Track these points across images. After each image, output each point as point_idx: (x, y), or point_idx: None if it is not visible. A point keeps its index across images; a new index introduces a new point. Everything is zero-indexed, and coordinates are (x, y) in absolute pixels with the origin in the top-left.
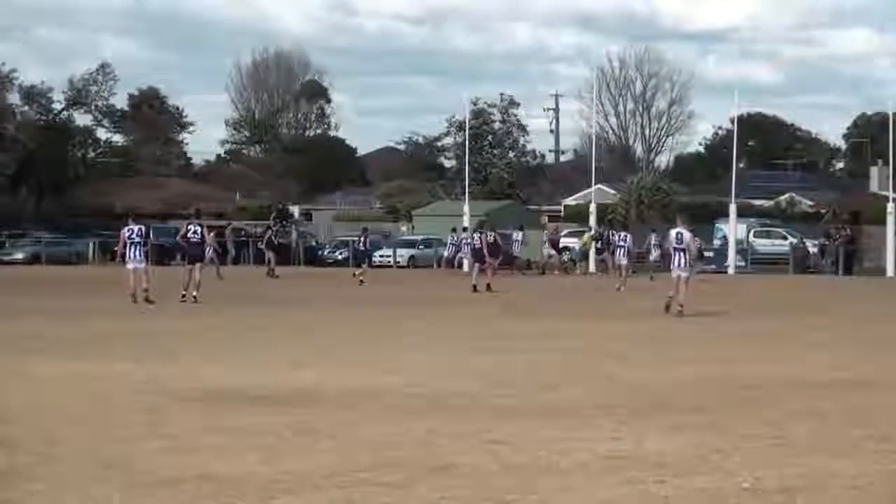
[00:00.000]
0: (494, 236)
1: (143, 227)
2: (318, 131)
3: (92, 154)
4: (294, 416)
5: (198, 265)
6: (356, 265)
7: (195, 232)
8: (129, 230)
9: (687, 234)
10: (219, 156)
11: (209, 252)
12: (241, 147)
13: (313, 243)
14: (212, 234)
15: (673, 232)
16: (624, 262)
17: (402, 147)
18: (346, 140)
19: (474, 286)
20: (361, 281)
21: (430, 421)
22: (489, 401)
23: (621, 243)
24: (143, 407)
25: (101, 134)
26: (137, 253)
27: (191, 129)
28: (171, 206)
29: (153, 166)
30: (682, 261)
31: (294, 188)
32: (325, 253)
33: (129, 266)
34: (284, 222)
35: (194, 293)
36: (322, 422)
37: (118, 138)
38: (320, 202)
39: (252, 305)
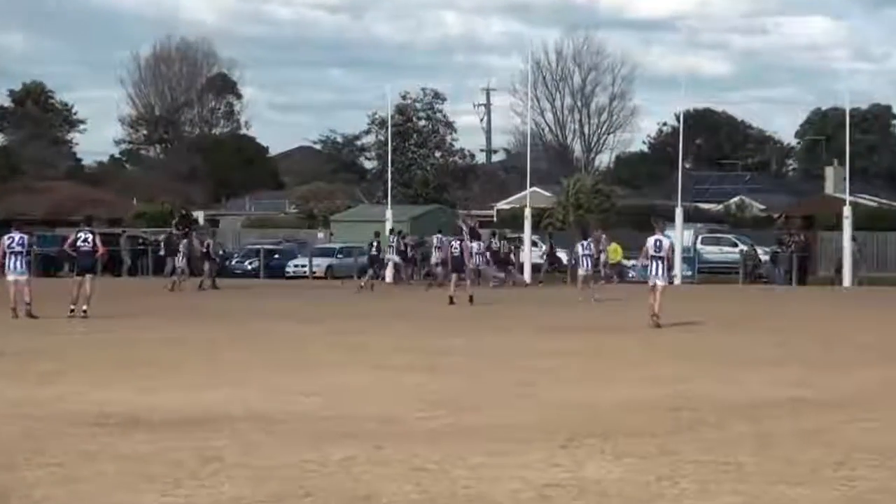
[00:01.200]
0: (509, 245)
1: (26, 236)
2: (226, 129)
3: None
4: (196, 441)
5: (88, 276)
6: (360, 273)
7: (85, 240)
8: (9, 238)
9: (666, 242)
10: (113, 157)
11: (180, 260)
12: (139, 147)
13: (220, 252)
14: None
15: (651, 239)
16: (582, 272)
17: (318, 146)
18: (257, 139)
19: (451, 297)
20: (362, 287)
21: (349, 447)
22: (413, 424)
23: (586, 252)
24: (19, 432)
25: None
26: (19, 264)
27: (81, 127)
28: (59, 212)
29: (38, 168)
30: (660, 269)
31: (199, 192)
32: (233, 263)
33: (10, 278)
34: (188, 229)
35: (84, 307)
36: (228, 448)
37: None
38: (228, 207)
39: (151, 319)
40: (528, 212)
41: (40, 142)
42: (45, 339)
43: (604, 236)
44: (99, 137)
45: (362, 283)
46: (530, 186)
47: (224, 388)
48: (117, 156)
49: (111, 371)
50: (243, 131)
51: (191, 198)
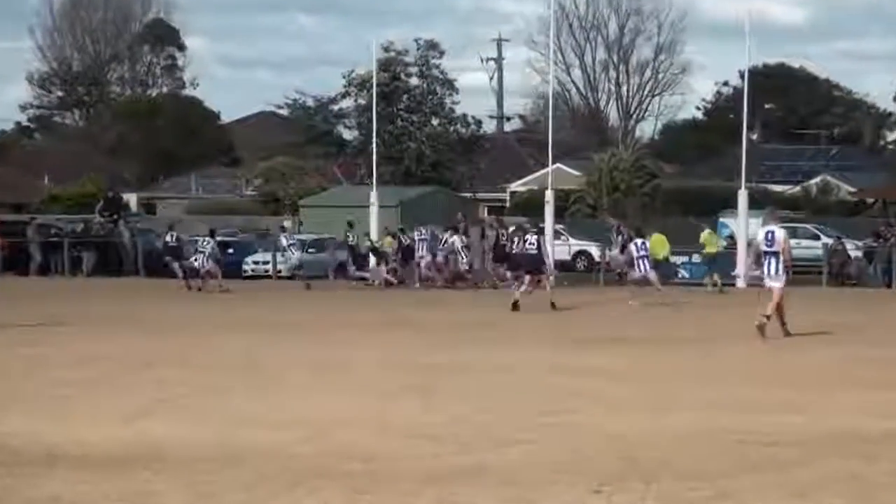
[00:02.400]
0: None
1: None
2: (166, 89)
3: None
4: (129, 484)
5: None
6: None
7: None
8: None
9: (780, 234)
10: (19, 124)
11: (205, 261)
12: (52, 113)
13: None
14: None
15: (762, 231)
16: (638, 275)
17: (284, 112)
18: (206, 102)
19: (515, 302)
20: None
21: (324, 492)
22: (405, 463)
23: (642, 252)
24: None
25: None
26: None
27: None
28: None
29: None
30: (775, 268)
31: (130, 169)
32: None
33: None
34: (115, 216)
35: None
36: (171, 494)
37: None
38: (167, 189)
39: (69, 330)
40: (549, 194)
41: None
42: None
43: (619, 226)
44: (1, 100)
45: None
46: (553, 163)
47: (166, 417)
48: (25, 123)
49: (13, 396)
50: (188, 92)
51: (119, 176)
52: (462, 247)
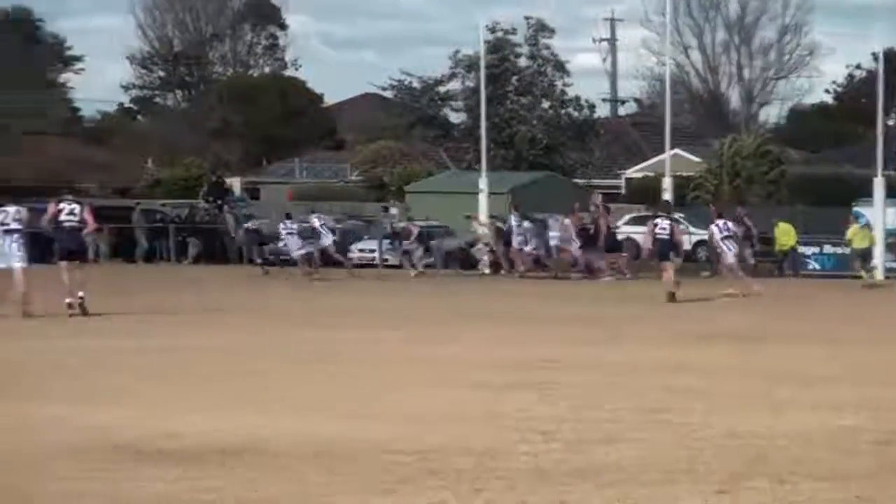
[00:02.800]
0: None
1: (24, 209)
2: (267, 70)
3: None
4: (234, 480)
5: (77, 263)
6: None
7: (72, 213)
8: (2, 214)
9: None
10: (121, 105)
11: (324, 240)
12: (154, 94)
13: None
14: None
15: None
16: (730, 259)
17: (388, 94)
18: (309, 83)
19: (671, 293)
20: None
21: (437, 491)
22: (511, 460)
23: (725, 233)
24: None
25: None
26: (15, 246)
27: (78, 66)
28: (49, 178)
29: (22, 120)
30: None
31: (233, 152)
32: (280, 245)
33: (16, 265)
34: (219, 201)
35: (80, 296)
36: (275, 489)
37: None
38: (271, 173)
39: (181, 320)
40: (667, 181)
41: (24, 86)
42: (38, 344)
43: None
44: (101, 80)
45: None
46: (671, 148)
47: (272, 411)
48: (126, 105)
49: (115, 385)
50: (290, 73)
51: (223, 160)
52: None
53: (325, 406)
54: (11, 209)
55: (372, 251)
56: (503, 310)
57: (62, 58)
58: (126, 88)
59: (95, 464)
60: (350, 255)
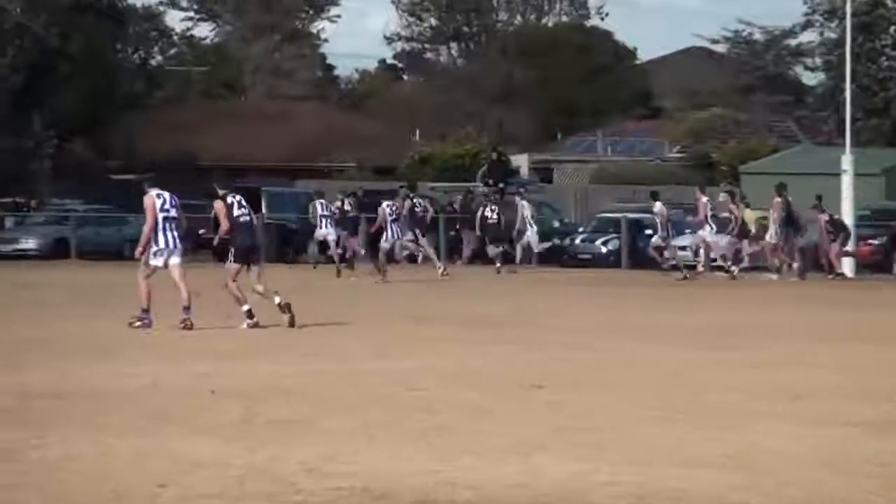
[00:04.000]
0: None
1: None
2: (565, 18)
3: (158, 58)
4: None
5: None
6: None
7: (241, 205)
8: (160, 198)
9: None
10: (383, 62)
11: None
12: (423, 48)
13: (555, 224)
14: None
15: None
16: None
17: (720, 48)
18: (617, 35)
19: None
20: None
21: None
22: None
23: None
24: None
25: (174, 22)
26: (171, 238)
27: (332, 13)
28: (303, 154)
29: (268, 80)
30: None
31: (520, 124)
32: (577, 242)
33: (156, 262)
34: (501, 184)
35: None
36: None
37: (204, 30)
38: (566, 150)
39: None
40: None
41: (268, 39)
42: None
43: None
44: (360, 33)
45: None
46: None
47: (564, 451)
48: (390, 61)
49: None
50: (593, 23)
51: (506, 133)
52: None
53: (637, 445)
54: (167, 194)
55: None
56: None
57: (313, 4)
58: (390, 41)
59: None
60: (666, 252)
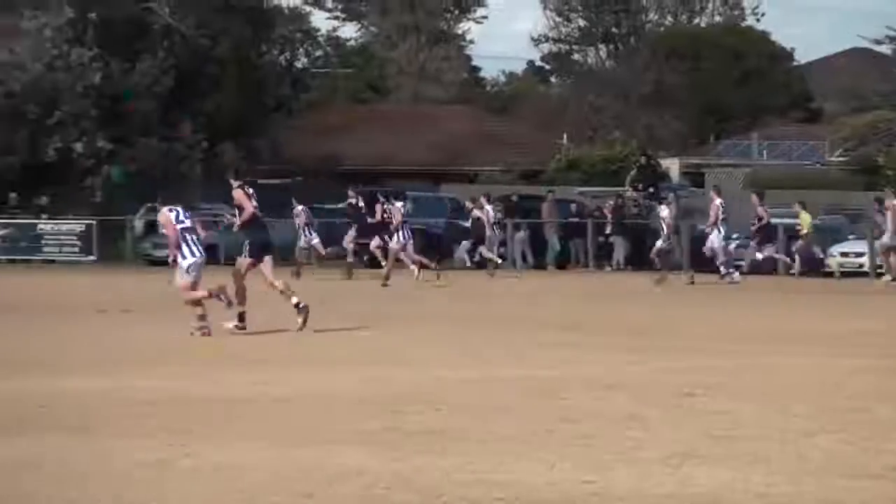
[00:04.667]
0: None
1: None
2: (718, 19)
3: (303, 61)
4: None
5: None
6: None
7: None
8: (173, 212)
9: None
10: (531, 64)
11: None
12: (571, 49)
13: (705, 230)
14: None
15: None
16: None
17: (885, 49)
18: (773, 35)
19: None
20: None
21: None
22: None
23: None
24: None
25: (321, 22)
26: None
27: (478, 14)
28: (448, 158)
29: (413, 82)
30: None
31: (671, 127)
32: (731, 248)
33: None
34: (651, 189)
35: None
36: None
37: (349, 31)
38: (719, 153)
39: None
40: None
41: (413, 39)
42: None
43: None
44: (506, 34)
45: None
46: None
47: (717, 461)
48: (538, 63)
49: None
50: (749, 23)
51: (656, 136)
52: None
53: (803, 458)
54: (179, 207)
55: (859, 255)
56: None
57: (460, 5)
58: (537, 42)
59: None
60: (828, 259)
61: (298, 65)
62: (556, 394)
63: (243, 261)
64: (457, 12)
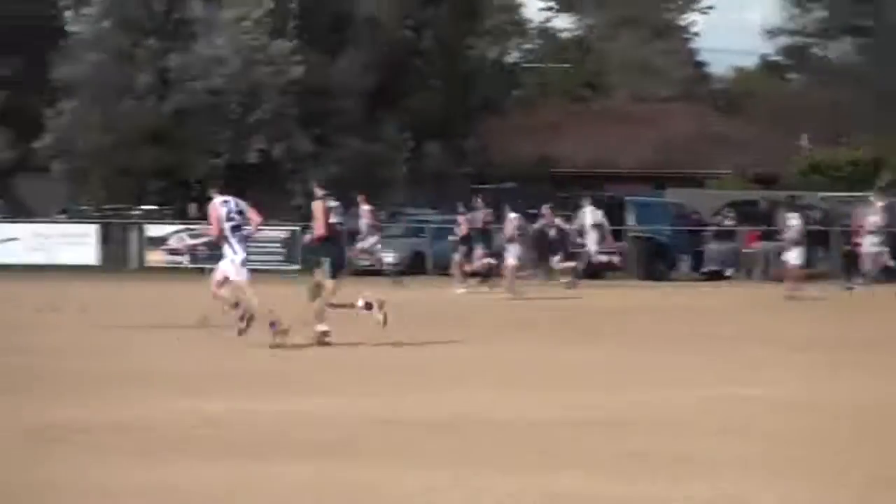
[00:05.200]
0: None
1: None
2: None
3: (515, 55)
4: None
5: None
6: None
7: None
8: (224, 206)
9: None
10: (764, 59)
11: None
12: (809, 42)
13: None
14: None
15: None
16: None
17: None
18: None
19: None
20: None
21: None
22: None
23: None
24: None
25: (532, 13)
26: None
27: (704, 4)
28: (672, 160)
29: (634, 78)
30: None
31: None
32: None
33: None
34: None
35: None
36: None
37: (563, 22)
38: None
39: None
40: None
41: (633, 32)
42: None
43: None
44: (735, 26)
45: None
46: None
47: None
48: (774, 58)
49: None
50: None
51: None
52: None
53: None
54: (233, 200)
55: None
56: None
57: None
58: (771, 34)
59: None
60: None
61: (509, 59)
62: (777, 413)
63: (328, 283)
64: (681, 2)
